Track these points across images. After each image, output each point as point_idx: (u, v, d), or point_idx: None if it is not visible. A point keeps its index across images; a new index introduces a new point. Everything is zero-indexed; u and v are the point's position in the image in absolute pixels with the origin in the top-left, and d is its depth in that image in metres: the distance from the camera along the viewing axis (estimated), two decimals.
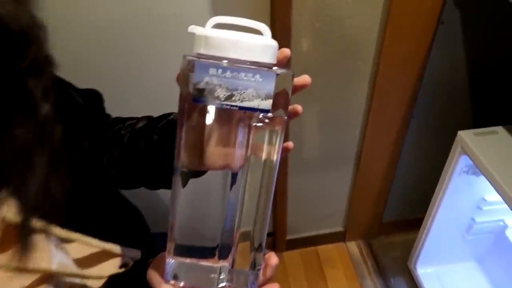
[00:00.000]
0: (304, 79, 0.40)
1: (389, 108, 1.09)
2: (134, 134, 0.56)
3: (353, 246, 1.48)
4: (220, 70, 0.33)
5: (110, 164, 0.56)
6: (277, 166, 0.38)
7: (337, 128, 1.16)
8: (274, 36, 0.36)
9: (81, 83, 0.58)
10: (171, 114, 0.54)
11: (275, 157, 0.37)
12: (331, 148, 1.21)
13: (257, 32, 0.36)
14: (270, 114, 0.35)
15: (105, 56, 0.91)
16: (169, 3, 0.85)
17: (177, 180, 0.38)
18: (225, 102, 0.33)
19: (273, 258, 0.42)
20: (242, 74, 0.33)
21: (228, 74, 0.33)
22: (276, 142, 0.37)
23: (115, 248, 0.44)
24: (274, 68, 0.35)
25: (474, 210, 1.08)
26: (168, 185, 0.50)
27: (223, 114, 0.37)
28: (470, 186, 1.00)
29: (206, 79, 0.33)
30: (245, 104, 0.33)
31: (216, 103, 0.34)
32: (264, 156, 0.38)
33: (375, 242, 1.45)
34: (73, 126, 0.51)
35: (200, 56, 0.34)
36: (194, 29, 0.35)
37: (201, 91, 0.33)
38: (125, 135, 0.56)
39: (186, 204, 0.39)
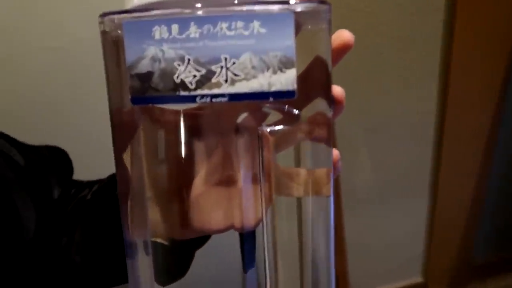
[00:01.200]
0: (342, 35, 0.21)
1: (469, 113, 0.86)
2: (97, 196, 0.41)
3: None
4: (176, 27, 0.17)
5: (74, 250, 0.41)
6: (331, 209, 0.21)
7: (403, 147, 0.92)
8: None
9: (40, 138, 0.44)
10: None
11: (326, 189, 0.20)
12: (396, 175, 0.96)
13: None
14: (297, 105, 0.19)
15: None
16: None
17: (139, 263, 0.21)
18: (199, 92, 0.17)
19: None
20: (223, 26, 0.17)
21: (193, 31, 0.17)
22: (322, 160, 0.20)
23: None
24: (288, 2, 0.17)
25: None
26: None
27: (203, 120, 0.21)
28: None
29: (151, 50, 0.17)
30: (241, 87, 0.17)
31: (179, 96, 0.17)
32: (304, 192, 0.20)
33: None
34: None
35: (129, 11, 0.18)
36: None
37: (145, 80, 0.17)
38: (89, 200, 0.42)
39: None
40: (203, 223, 0.22)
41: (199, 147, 0.21)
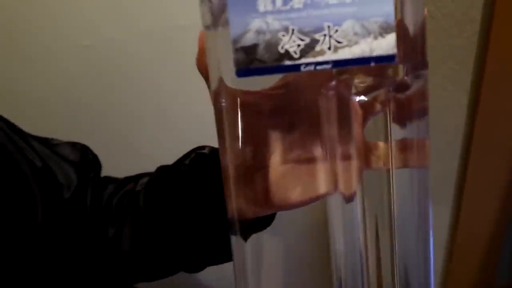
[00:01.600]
0: None
1: (499, 129, 0.80)
2: (152, 184, 0.41)
3: None
4: (280, 0, 0.17)
5: (122, 241, 0.41)
6: (429, 181, 0.20)
7: (431, 159, 0.88)
8: None
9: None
10: (202, 147, 0.39)
11: (426, 161, 0.20)
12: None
13: None
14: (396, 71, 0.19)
15: (94, 94, 0.72)
16: (184, 11, 0.66)
17: (239, 240, 0.21)
18: (303, 61, 0.17)
19: None
20: None
21: (296, 1, 0.17)
22: (421, 130, 0.20)
23: None
24: None
25: None
26: (218, 256, 0.38)
27: (300, 92, 0.21)
28: None
29: (256, 23, 0.17)
30: (345, 53, 0.17)
31: (285, 66, 0.17)
32: (402, 163, 0.20)
33: None
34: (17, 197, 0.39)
35: None
36: None
37: (251, 52, 0.18)
38: (141, 192, 0.42)
39: (263, 273, 0.22)
40: (283, 201, 0.22)
41: (294, 118, 0.22)
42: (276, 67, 0.18)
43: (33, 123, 0.45)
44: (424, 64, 0.19)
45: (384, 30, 0.17)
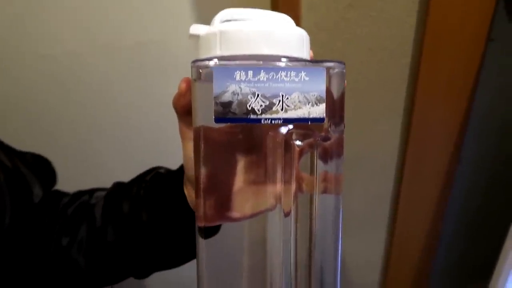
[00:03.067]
0: None
1: (429, 151, 0.86)
2: (110, 198, 0.43)
3: None
4: (251, 72, 0.25)
5: (76, 249, 0.43)
6: (340, 204, 0.29)
7: (362, 180, 0.92)
8: None
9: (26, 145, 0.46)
10: (159, 167, 0.43)
11: (340, 189, 0.29)
12: (355, 206, 0.96)
13: None
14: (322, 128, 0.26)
15: (61, 102, 0.72)
16: (146, 28, 0.69)
17: (202, 243, 0.28)
18: (263, 116, 0.25)
19: None
20: (282, 74, 0.25)
21: (263, 76, 0.25)
22: (338, 167, 0.28)
23: None
24: (322, 61, 0.27)
25: None
26: (164, 262, 0.42)
27: (257, 136, 0.28)
28: None
29: (232, 87, 0.25)
30: (291, 114, 0.26)
31: (250, 119, 0.25)
32: (324, 190, 0.28)
33: None
34: None
35: (216, 59, 0.26)
36: (197, 29, 0.27)
37: (226, 106, 0.25)
38: (96, 205, 0.44)
39: (217, 272, 0.29)
40: (252, 208, 0.29)
41: (252, 153, 0.29)
42: (244, 119, 0.25)
43: None
44: (341, 120, 0.27)
45: (318, 101, 0.26)
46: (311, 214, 0.28)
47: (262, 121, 0.25)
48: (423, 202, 0.96)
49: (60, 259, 0.43)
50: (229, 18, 0.27)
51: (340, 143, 0.27)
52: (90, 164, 0.77)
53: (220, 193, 0.28)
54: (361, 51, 0.75)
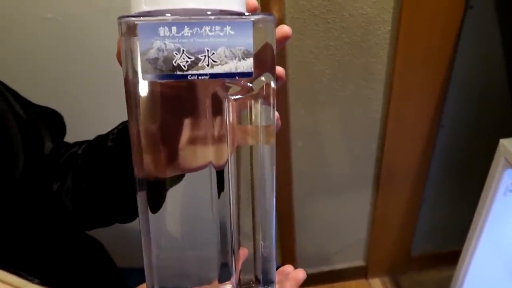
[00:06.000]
0: (283, 29, 0.30)
1: (411, 115, 0.89)
2: (88, 149, 0.47)
3: (377, 284, 1.24)
4: (174, 28, 0.24)
5: (64, 194, 0.46)
6: (274, 153, 0.29)
7: (349, 142, 0.96)
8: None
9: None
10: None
11: (271, 140, 0.29)
12: (343, 166, 1.01)
13: None
14: (252, 81, 0.26)
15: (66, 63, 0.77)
16: None
17: (143, 196, 0.28)
18: (189, 72, 0.25)
19: (300, 273, 0.36)
20: (207, 29, 0.24)
21: (186, 31, 0.24)
22: (267, 119, 0.28)
23: None
24: (248, 14, 0.26)
25: None
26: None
27: (188, 91, 0.28)
28: None
29: (157, 43, 0.24)
30: (218, 69, 0.25)
31: (176, 75, 0.25)
32: (255, 141, 0.29)
33: (403, 279, 1.21)
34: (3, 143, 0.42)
35: (141, 15, 0.25)
36: None
37: (152, 62, 0.24)
38: (80, 155, 0.47)
39: (163, 224, 0.30)
40: (186, 163, 0.30)
41: (184, 108, 0.29)
42: (170, 75, 0.25)
43: None
44: (273, 73, 0.27)
45: (245, 55, 0.25)
46: (250, 165, 0.29)
47: (188, 77, 0.25)
48: (405, 165, 0.99)
49: (51, 201, 0.47)
50: None
51: (268, 96, 0.27)
52: (89, 120, 0.82)
53: (155, 148, 0.28)
54: (342, 16, 0.77)
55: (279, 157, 0.28)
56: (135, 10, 0.26)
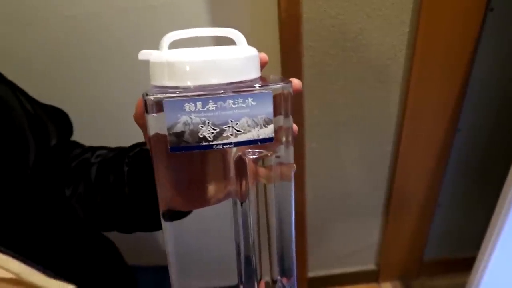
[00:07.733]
0: (295, 85, 0.31)
1: (427, 118, 0.87)
2: (103, 165, 0.48)
3: None
4: (200, 103, 0.25)
5: (75, 200, 0.48)
6: (292, 188, 0.31)
7: (363, 144, 0.94)
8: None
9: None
10: (144, 143, 0.46)
11: (290, 176, 0.30)
12: (357, 169, 0.99)
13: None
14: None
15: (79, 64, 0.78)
16: None
17: (168, 225, 0.30)
18: (215, 142, 0.26)
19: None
20: (230, 102, 0.26)
21: (211, 106, 0.25)
22: (287, 159, 0.30)
23: None
24: (268, 84, 0.27)
25: None
26: (142, 227, 0.46)
27: (215, 154, 0.29)
28: None
29: (183, 118, 0.25)
30: (241, 138, 0.27)
31: (202, 145, 0.26)
32: (275, 179, 0.30)
33: (415, 284, 1.19)
34: (11, 138, 0.43)
35: (164, 90, 0.26)
36: (147, 55, 0.27)
37: (179, 136, 0.26)
38: (94, 165, 0.48)
39: (185, 244, 0.31)
40: (210, 200, 0.31)
41: (210, 167, 0.30)
42: (197, 146, 0.26)
43: (17, 82, 0.49)
44: (291, 135, 0.28)
45: (266, 123, 0.27)
46: (266, 200, 0.30)
47: (214, 147, 0.26)
48: (421, 169, 0.97)
49: (63, 204, 0.48)
50: (176, 39, 0.27)
51: (288, 142, 0.29)
52: (107, 119, 0.84)
53: (181, 189, 0.30)
54: (360, 18, 0.77)
55: None
56: (156, 83, 0.27)
